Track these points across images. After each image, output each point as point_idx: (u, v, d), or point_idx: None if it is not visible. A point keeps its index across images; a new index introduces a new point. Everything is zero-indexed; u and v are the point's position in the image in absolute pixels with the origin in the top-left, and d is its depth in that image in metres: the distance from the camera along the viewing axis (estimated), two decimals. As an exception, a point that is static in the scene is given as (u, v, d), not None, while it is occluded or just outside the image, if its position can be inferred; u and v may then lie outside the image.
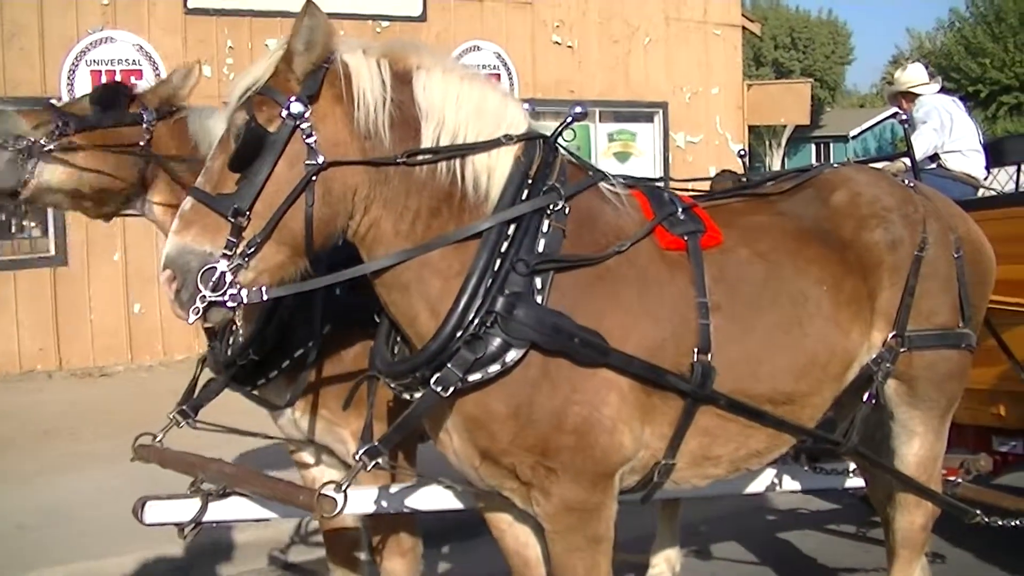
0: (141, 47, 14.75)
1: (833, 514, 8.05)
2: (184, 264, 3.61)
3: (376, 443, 3.96)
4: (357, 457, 3.95)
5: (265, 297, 3.72)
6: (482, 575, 6.61)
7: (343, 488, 4.02)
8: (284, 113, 3.64)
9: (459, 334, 3.78)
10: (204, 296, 3.58)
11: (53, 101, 5.69)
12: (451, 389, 3.80)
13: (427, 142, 3.82)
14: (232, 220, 3.59)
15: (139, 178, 4.97)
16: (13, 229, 14.67)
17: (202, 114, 5.03)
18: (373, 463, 3.93)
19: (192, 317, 3.64)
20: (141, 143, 4.92)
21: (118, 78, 14.40)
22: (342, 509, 4.07)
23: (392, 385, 4.03)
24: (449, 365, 3.78)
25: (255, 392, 5.03)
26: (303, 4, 3.62)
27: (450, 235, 3.85)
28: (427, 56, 3.94)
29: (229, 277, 3.61)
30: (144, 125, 4.93)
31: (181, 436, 4.95)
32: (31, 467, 9.43)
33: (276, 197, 3.63)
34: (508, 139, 3.92)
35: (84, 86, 14.18)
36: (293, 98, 3.65)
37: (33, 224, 14.63)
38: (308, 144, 3.66)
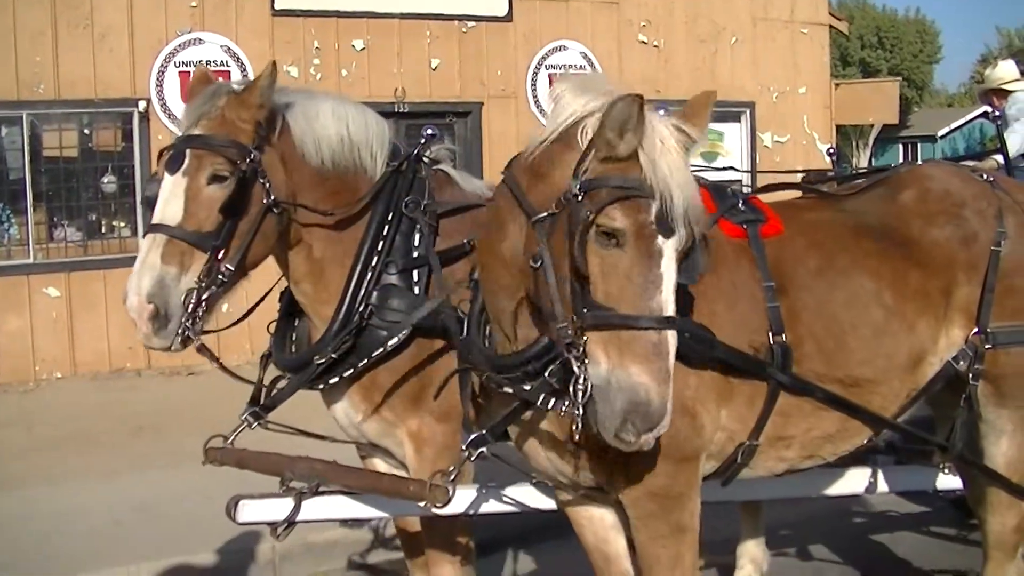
0: (229, 48, 14.84)
1: (926, 516, 7.91)
2: None
3: (483, 432, 4.01)
4: (463, 447, 4.02)
5: None
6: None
7: (451, 479, 4.08)
8: None
9: None
10: None
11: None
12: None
13: None
14: None
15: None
16: (103, 229, 14.84)
17: (300, 115, 4.76)
18: (478, 453, 3.99)
19: None
20: (267, 200, 4.56)
21: (191, 80, 14.49)
22: (452, 498, 4.11)
23: (496, 378, 3.96)
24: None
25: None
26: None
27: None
28: None
29: None
30: (261, 182, 4.55)
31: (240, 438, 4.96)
32: (122, 464, 9.58)
33: None
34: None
35: (173, 88, 14.37)
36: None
37: (123, 224, 14.78)
38: None
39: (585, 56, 17.61)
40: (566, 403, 3.46)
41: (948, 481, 5.53)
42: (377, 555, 7.55)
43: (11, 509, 8.32)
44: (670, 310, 3.38)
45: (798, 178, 5.87)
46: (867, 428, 4.55)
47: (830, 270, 4.44)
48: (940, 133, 50.36)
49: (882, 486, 5.52)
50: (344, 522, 6.91)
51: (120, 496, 8.51)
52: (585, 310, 3.33)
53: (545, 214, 3.48)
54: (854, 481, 5.45)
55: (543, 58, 17.19)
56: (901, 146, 50.18)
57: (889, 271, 4.49)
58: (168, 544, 7.35)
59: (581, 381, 3.35)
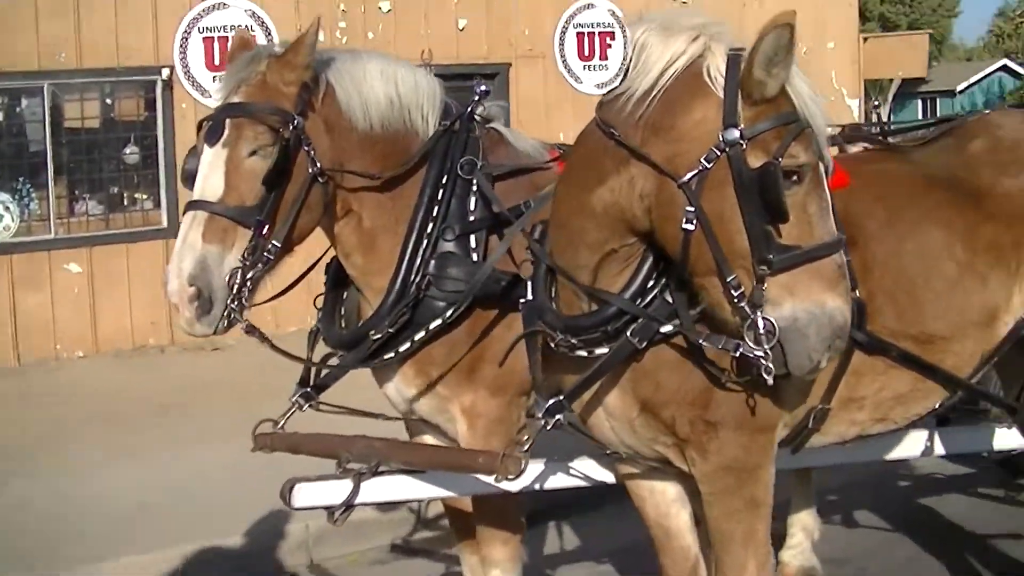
0: (254, 13, 14.42)
1: (972, 477, 7.87)
2: None
3: (560, 399, 3.87)
4: (539, 414, 3.87)
5: None
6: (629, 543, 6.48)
7: (524, 450, 3.98)
8: None
9: (650, 283, 3.66)
10: None
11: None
12: (646, 341, 3.67)
13: None
14: None
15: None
16: (125, 202, 14.64)
17: (346, 77, 4.52)
18: (555, 420, 3.86)
19: None
20: (312, 168, 4.33)
21: (231, 45, 14.28)
22: (525, 470, 4.01)
23: (571, 340, 3.79)
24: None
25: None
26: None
27: None
28: None
29: None
30: (305, 149, 4.33)
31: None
32: (148, 443, 9.39)
33: None
34: None
35: (197, 54, 14.00)
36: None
37: (145, 197, 14.59)
38: None
39: (613, 14, 17.27)
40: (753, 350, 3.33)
41: (1005, 441, 5.36)
42: (416, 536, 7.49)
43: (35, 493, 8.18)
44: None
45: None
46: (940, 389, 4.42)
47: (899, 222, 4.33)
48: (959, 88, 50.24)
49: (938, 448, 5.37)
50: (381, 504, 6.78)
51: (147, 477, 8.36)
52: (771, 256, 3.20)
53: (694, 172, 3.30)
54: (910, 444, 5.27)
55: (571, 17, 16.85)
56: (920, 101, 50.02)
57: (960, 223, 4.37)
58: (198, 527, 7.23)
59: (761, 326, 3.26)
